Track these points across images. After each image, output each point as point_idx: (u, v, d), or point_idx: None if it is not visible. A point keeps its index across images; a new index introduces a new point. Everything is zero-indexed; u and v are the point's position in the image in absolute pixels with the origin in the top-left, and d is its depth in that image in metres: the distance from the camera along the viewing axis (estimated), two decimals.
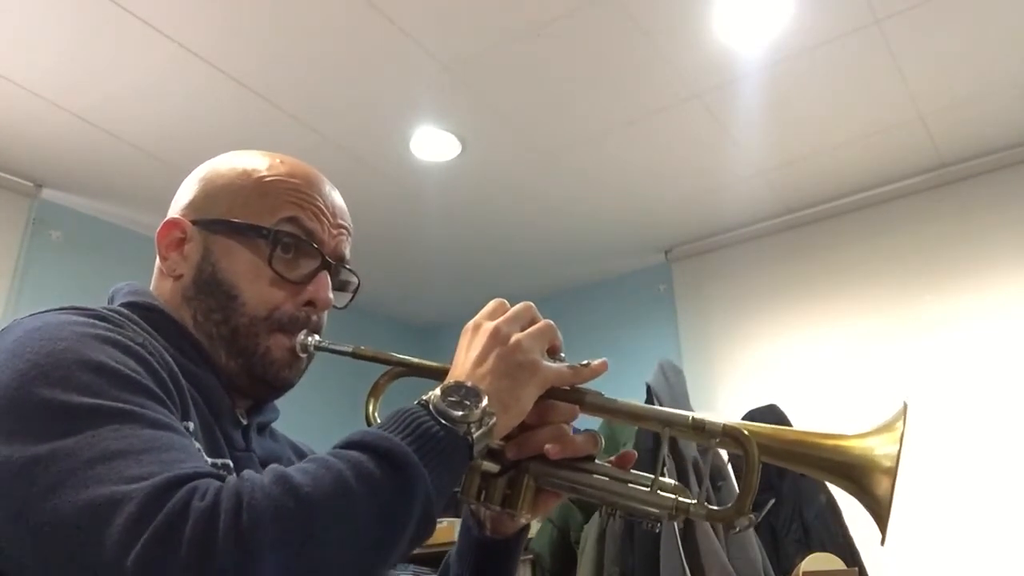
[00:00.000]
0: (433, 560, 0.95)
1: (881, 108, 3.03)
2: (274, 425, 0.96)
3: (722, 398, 3.55)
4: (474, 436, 0.69)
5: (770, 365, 3.60)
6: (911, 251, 3.43)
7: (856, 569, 1.87)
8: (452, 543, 0.95)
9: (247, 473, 0.60)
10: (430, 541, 0.66)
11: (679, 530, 1.88)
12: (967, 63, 2.80)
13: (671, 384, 2.21)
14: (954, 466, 3.00)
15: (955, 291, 3.28)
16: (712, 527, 1.91)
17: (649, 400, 2.14)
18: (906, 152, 3.31)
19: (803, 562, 1.82)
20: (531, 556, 2.67)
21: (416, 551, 0.67)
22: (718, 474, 2.07)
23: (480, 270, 4.21)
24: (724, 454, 2.09)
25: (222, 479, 0.59)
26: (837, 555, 1.87)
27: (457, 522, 0.96)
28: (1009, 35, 2.67)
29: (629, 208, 3.68)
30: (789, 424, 2.46)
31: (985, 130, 3.18)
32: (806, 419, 2.55)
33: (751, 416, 2.54)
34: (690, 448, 2.05)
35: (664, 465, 0.76)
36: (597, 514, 2.22)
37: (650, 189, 3.54)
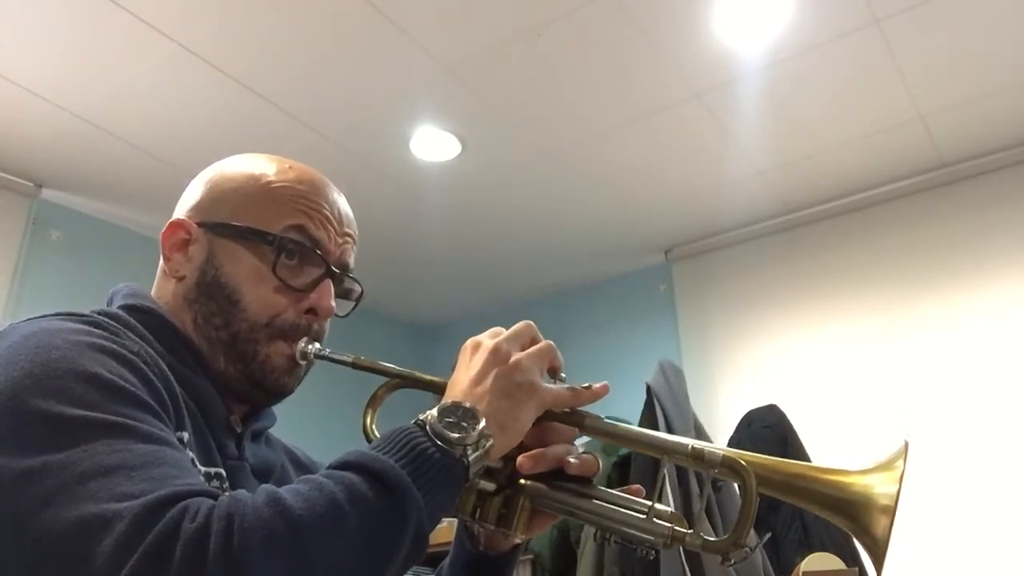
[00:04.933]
0: (434, 560, 0.95)
1: (881, 108, 3.03)
2: (272, 431, 0.95)
3: (722, 398, 3.54)
4: (470, 458, 0.68)
5: (770, 365, 3.60)
6: (911, 251, 3.43)
7: (856, 569, 1.86)
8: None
9: (240, 493, 0.59)
10: (433, 540, 0.66)
11: None
12: (967, 63, 2.80)
13: (671, 384, 2.21)
14: (953, 466, 3.00)
15: (955, 291, 3.28)
16: (713, 528, 1.91)
17: (649, 400, 2.14)
18: (906, 152, 3.31)
19: (803, 562, 1.82)
20: (531, 556, 2.67)
21: None
22: None
23: (480, 270, 4.21)
24: None
25: (215, 496, 0.58)
26: (837, 555, 1.86)
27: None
28: (1009, 35, 2.67)
29: (629, 208, 3.68)
30: (789, 424, 2.47)
31: (985, 130, 3.18)
32: (806, 419, 2.57)
33: (751, 416, 2.55)
34: None
35: (662, 491, 0.75)
36: None
37: (650, 189, 3.54)
